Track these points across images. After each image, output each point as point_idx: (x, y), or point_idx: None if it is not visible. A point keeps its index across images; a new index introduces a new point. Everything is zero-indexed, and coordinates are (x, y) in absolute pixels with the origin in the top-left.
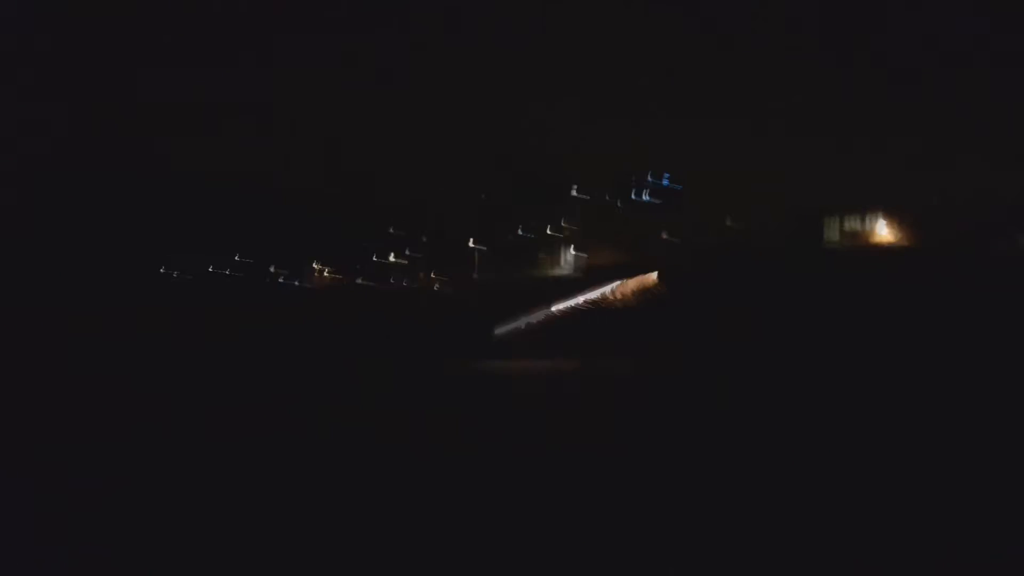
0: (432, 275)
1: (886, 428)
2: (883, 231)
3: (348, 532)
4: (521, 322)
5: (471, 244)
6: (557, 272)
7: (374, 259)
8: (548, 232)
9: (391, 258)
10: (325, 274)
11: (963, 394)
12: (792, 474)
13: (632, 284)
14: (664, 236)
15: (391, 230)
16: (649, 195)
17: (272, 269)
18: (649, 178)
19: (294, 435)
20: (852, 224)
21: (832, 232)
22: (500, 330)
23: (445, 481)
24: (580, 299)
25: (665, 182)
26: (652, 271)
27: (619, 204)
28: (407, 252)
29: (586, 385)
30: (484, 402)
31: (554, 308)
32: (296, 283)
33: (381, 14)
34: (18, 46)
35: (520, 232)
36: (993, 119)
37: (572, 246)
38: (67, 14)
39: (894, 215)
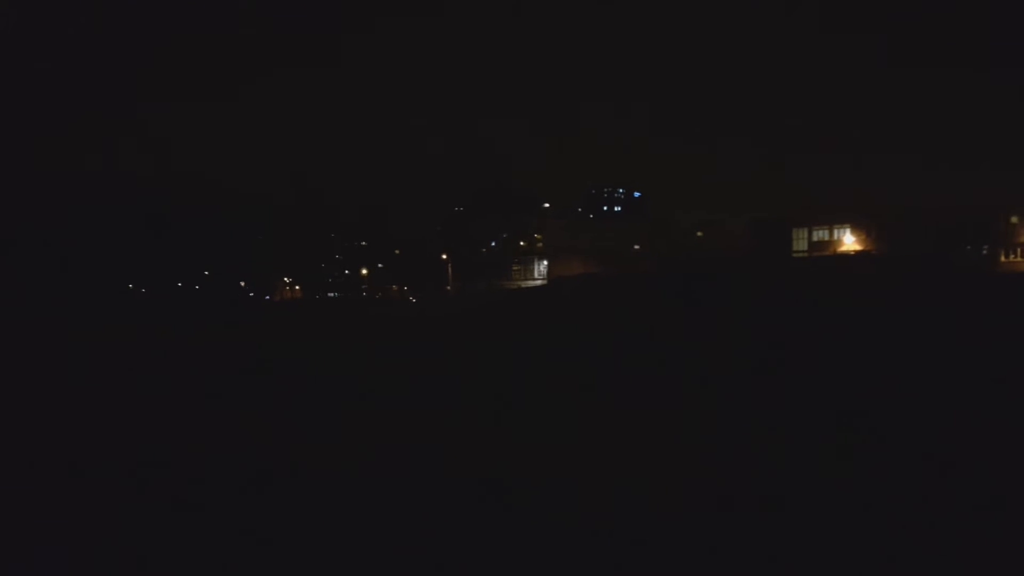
0: (404, 287)
1: (854, 435)
2: (849, 240)
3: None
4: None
5: (443, 256)
6: (528, 283)
7: (346, 272)
8: (520, 244)
9: (362, 271)
10: (296, 288)
11: (925, 400)
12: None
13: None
14: (635, 247)
15: (363, 243)
16: (618, 207)
17: (242, 284)
18: (619, 190)
19: (272, 446)
20: (819, 234)
21: (800, 241)
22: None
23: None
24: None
25: (636, 194)
26: (622, 279)
27: (590, 216)
28: (379, 265)
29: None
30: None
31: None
32: (267, 297)
33: (354, 31)
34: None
35: (492, 244)
36: (959, 131)
37: (541, 258)
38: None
39: (859, 225)
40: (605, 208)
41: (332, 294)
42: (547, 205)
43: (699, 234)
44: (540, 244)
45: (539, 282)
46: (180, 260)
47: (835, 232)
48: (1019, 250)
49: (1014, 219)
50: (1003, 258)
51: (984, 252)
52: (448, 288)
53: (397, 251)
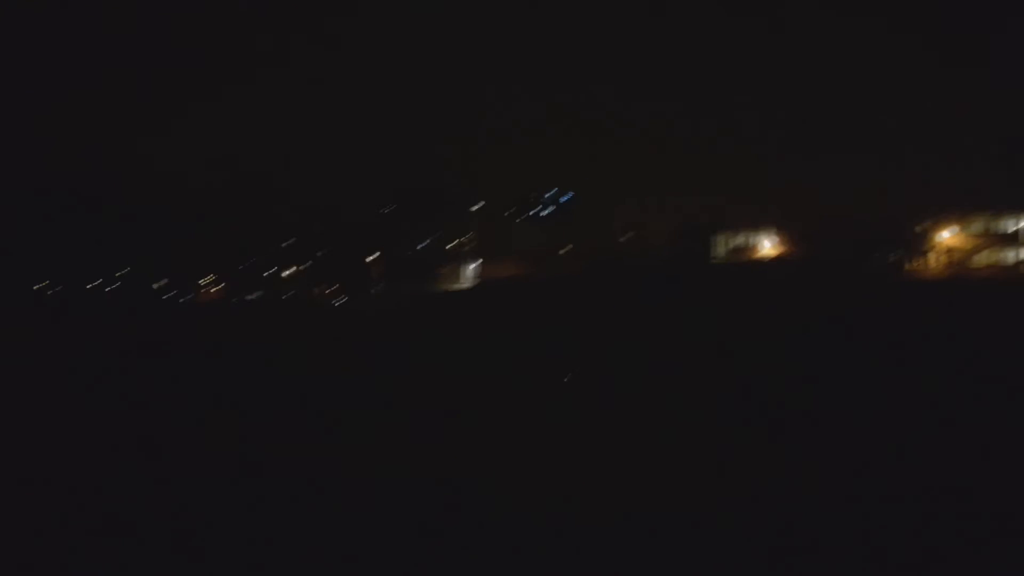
0: (328, 289)
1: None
2: (767, 246)
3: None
4: None
5: (369, 258)
6: (456, 285)
7: (265, 274)
8: (448, 246)
9: (284, 273)
10: (212, 289)
11: (838, 403)
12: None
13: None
14: (561, 251)
15: (286, 243)
16: (546, 210)
17: (155, 285)
18: (547, 194)
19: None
20: (738, 239)
21: (720, 246)
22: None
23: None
24: None
25: (563, 198)
26: (548, 282)
27: (517, 219)
28: (301, 267)
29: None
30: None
31: None
32: (181, 299)
33: (291, 29)
34: None
35: (419, 246)
36: (873, 136)
37: (472, 259)
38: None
39: (777, 231)
40: (538, 210)
41: (252, 295)
42: (478, 206)
43: (628, 235)
44: (470, 246)
45: (467, 284)
46: (93, 259)
47: (753, 238)
48: (922, 258)
49: (920, 228)
50: (907, 265)
51: (891, 259)
52: (373, 291)
53: (319, 252)
